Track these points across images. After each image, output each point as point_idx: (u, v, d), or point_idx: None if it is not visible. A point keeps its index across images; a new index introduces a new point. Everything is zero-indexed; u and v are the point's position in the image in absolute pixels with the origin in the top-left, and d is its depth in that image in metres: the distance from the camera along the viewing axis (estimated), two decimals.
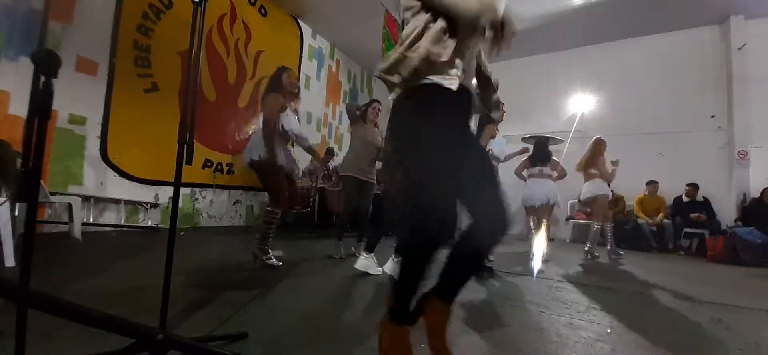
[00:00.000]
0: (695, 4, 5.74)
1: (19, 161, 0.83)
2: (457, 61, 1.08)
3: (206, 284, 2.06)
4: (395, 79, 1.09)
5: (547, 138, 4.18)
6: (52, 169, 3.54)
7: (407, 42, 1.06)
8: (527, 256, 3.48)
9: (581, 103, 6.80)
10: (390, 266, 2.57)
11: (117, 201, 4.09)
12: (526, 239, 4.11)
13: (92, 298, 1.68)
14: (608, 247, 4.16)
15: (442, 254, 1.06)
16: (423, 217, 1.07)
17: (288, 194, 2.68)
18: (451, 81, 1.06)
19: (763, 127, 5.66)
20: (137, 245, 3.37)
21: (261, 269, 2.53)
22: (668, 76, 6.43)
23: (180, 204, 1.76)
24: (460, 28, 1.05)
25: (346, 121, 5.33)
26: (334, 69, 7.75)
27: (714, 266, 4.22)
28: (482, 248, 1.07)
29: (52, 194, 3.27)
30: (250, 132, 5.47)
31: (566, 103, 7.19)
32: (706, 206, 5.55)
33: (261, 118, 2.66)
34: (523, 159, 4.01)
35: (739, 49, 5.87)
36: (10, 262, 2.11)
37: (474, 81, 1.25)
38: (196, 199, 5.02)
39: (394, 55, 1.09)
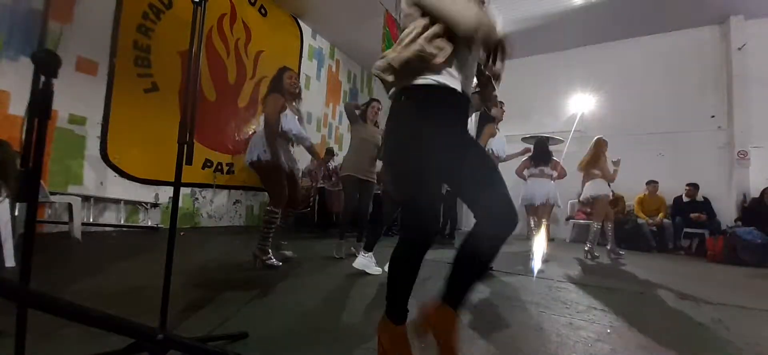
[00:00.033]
0: (695, 4, 5.74)
1: (19, 161, 0.82)
2: (454, 66, 1.08)
3: (206, 284, 2.06)
4: (389, 77, 1.10)
5: (547, 138, 4.18)
6: (52, 169, 3.54)
7: (404, 42, 1.07)
8: (527, 256, 3.48)
9: (581, 103, 6.79)
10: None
11: (117, 201, 4.09)
12: (526, 238, 4.11)
13: (92, 298, 1.68)
14: (608, 246, 4.16)
15: (447, 256, 1.06)
16: (415, 216, 1.08)
17: (289, 193, 2.68)
18: (446, 80, 1.06)
19: (763, 127, 5.66)
20: (137, 245, 3.36)
21: (261, 269, 2.53)
22: (668, 76, 6.44)
23: (180, 204, 1.76)
24: (456, 38, 1.05)
25: (346, 121, 5.35)
26: (334, 69, 7.75)
27: (714, 266, 4.22)
28: (487, 249, 1.05)
29: (52, 193, 3.27)
30: (251, 132, 5.49)
31: (566, 103, 7.19)
32: (706, 206, 5.55)
33: (262, 119, 2.66)
34: (524, 159, 4.01)
35: (739, 49, 5.87)
36: (10, 262, 2.11)
37: (474, 81, 1.25)
38: (196, 199, 5.02)
39: (390, 54, 1.09)
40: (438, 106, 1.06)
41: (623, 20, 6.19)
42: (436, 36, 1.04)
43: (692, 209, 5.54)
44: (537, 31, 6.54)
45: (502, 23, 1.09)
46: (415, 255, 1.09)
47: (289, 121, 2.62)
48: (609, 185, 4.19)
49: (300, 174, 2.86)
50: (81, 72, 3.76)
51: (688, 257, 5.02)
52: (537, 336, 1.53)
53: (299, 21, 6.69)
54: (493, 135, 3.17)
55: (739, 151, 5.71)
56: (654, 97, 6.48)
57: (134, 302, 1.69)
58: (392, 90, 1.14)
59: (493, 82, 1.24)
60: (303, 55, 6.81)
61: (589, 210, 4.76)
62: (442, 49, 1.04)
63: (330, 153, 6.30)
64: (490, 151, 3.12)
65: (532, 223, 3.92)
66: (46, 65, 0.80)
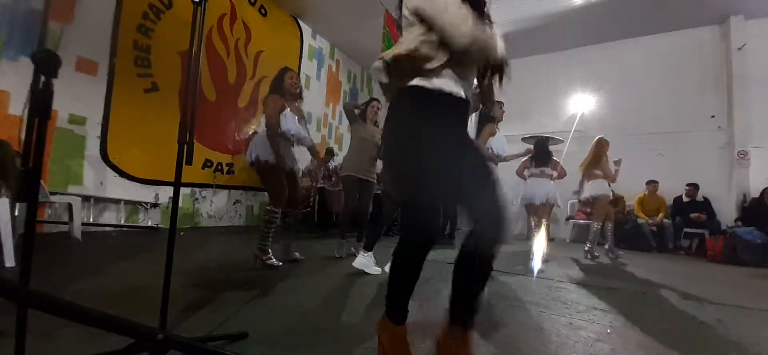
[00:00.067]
0: (695, 4, 5.74)
1: (19, 161, 0.82)
2: (453, 71, 1.08)
3: (206, 284, 2.06)
4: (384, 78, 1.11)
5: (547, 138, 4.18)
6: (52, 169, 3.54)
7: (402, 44, 1.08)
8: (527, 256, 3.48)
9: (581, 103, 6.80)
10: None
11: (117, 201, 4.09)
12: (526, 238, 4.11)
13: (92, 298, 1.68)
14: (607, 246, 4.16)
15: (448, 257, 1.05)
16: (415, 216, 1.08)
17: (290, 193, 2.68)
18: (444, 85, 1.06)
19: (763, 127, 5.66)
20: (137, 245, 3.36)
21: (261, 269, 2.53)
22: (668, 76, 6.43)
23: (180, 204, 1.76)
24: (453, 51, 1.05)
25: (346, 121, 5.34)
26: (334, 69, 7.75)
27: (714, 266, 4.22)
28: (484, 256, 1.03)
29: (52, 193, 3.27)
30: (251, 132, 5.49)
31: (566, 103, 7.19)
32: (706, 206, 5.55)
33: (264, 120, 2.67)
34: (525, 159, 4.01)
35: (739, 49, 5.87)
36: (10, 262, 2.11)
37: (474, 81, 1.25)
38: (196, 199, 5.02)
39: (387, 55, 1.10)
40: (437, 107, 1.06)
41: (623, 20, 6.19)
42: (431, 42, 1.04)
43: (692, 209, 5.54)
44: (537, 31, 6.54)
45: (504, 47, 1.09)
46: (416, 255, 1.08)
47: (288, 121, 2.62)
48: (609, 185, 4.19)
49: (300, 174, 2.86)
50: (81, 72, 3.76)
51: (688, 257, 5.02)
52: (537, 336, 1.53)
53: (299, 21, 6.69)
54: (493, 134, 3.17)
55: (739, 151, 5.71)
56: (654, 97, 6.48)
57: (134, 302, 1.69)
58: (389, 91, 1.15)
59: (487, 92, 1.24)
60: (303, 55, 6.81)
61: (589, 210, 4.76)
62: (435, 57, 1.04)
63: (330, 153, 6.30)
64: (490, 149, 3.12)
65: (532, 223, 3.92)
66: (46, 65, 0.80)
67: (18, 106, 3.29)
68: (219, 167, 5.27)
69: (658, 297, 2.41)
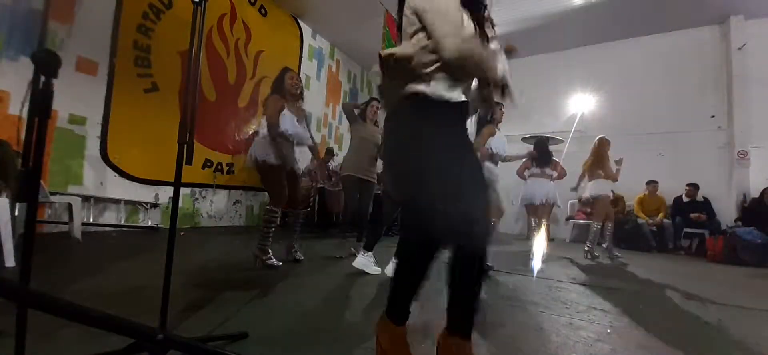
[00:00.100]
0: (695, 4, 5.74)
1: (19, 161, 0.82)
2: (451, 76, 1.07)
3: (206, 284, 2.06)
4: (379, 80, 1.12)
5: (547, 138, 4.18)
6: (52, 169, 3.54)
7: (399, 50, 1.08)
8: (527, 256, 3.48)
9: (581, 103, 6.79)
10: (391, 269, 2.57)
11: (117, 201, 4.09)
12: (526, 238, 4.11)
13: (92, 298, 1.68)
14: (605, 245, 4.16)
15: (447, 256, 1.04)
16: (415, 216, 1.07)
17: (290, 193, 2.68)
18: (442, 90, 1.06)
19: (763, 127, 5.66)
20: (137, 245, 3.36)
21: (261, 269, 2.53)
22: (668, 76, 6.43)
23: (180, 204, 1.76)
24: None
25: (346, 121, 5.32)
26: (334, 69, 7.75)
27: (714, 266, 4.22)
28: (477, 255, 1.02)
29: (52, 193, 3.27)
30: (251, 132, 5.49)
31: (566, 103, 7.18)
32: (706, 206, 5.55)
33: (264, 121, 2.67)
34: (525, 159, 4.01)
35: (739, 49, 5.87)
36: (10, 262, 2.11)
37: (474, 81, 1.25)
38: (196, 199, 5.02)
39: (385, 54, 1.10)
40: (437, 107, 1.06)
41: (623, 20, 6.19)
42: (428, 50, 1.04)
43: (692, 209, 5.54)
44: (537, 31, 6.54)
45: (504, 66, 1.07)
46: (416, 255, 1.08)
47: (285, 121, 2.62)
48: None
49: (300, 174, 2.86)
50: (81, 72, 3.76)
51: (688, 257, 5.02)
52: (537, 336, 1.53)
53: (299, 21, 6.69)
54: (492, 135, 3.17)
55: (739, 151, 5.71)
56: (654, 97, 6.48)
57: (134, 302, 1.69)
58: (387, 93, 1.15)
59: (487, 98, 1.23)
60: (303, 55, 6.81)
61: (589, 210, 4.76)
62: (431, 64, 1.03)
63: (330, 153, 6.30)
64: (490, 150, 3.12)
65: (532, 223, 3.92)
66: (46, 65, 0.80)
67: (18, 106, 3.29)
68: (219, 167, 5.27)
69: (658, 297, 2.41)
